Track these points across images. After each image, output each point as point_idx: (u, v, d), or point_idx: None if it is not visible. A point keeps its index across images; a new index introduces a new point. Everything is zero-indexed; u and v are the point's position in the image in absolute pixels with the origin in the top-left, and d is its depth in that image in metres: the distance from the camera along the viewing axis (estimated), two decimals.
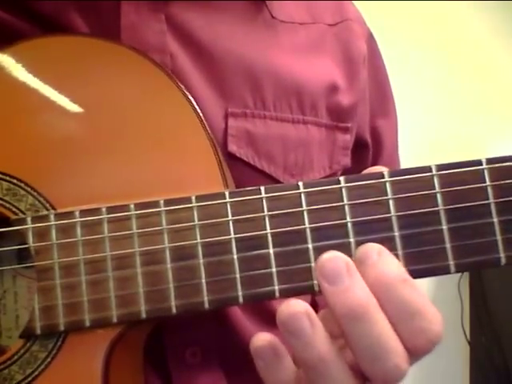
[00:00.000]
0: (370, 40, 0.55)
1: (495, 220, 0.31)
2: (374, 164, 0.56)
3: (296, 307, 0.27)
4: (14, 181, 0.34)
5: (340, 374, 0.27)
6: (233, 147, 0.42)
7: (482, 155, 0.32)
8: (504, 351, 1.38)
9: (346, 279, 0.27)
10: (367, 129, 0.54)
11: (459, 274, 1.59)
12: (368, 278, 0.28)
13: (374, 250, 0.28)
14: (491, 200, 0.31)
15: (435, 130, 1.64)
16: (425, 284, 1.60)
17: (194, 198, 0.32)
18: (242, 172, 0.42)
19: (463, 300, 1.59)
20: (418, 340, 0.27)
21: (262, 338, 0.29)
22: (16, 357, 0.33)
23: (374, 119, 0.55)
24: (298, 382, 0.29)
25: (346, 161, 0.50)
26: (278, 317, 0.27)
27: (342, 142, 0.49)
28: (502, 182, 0.31)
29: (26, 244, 0.33)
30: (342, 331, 0.27)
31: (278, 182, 0.45)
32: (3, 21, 0.39)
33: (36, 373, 0.32)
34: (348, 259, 0.28)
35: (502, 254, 0.31)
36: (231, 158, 0.42)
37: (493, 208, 0.31)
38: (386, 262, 0.28)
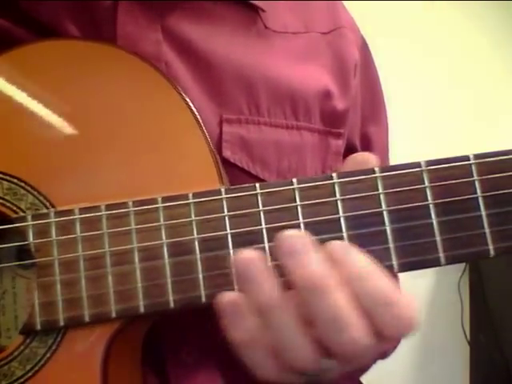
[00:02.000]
0: (363, 47, 0.56)
1: (483, 213, 0.32)
2: None
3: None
4: (15, 180, 0.35)
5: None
6: (227, 153, 0.43)
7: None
8: (504, 351, 1.38)
9: (304, 254, 0.29)
10: (357, 135, 0.55)
11: (459, 274, 1.60)
12: (341, 273, 0.29)
13: (339, 246, 0.30)
14: (479, 194, 0.32)
15: (429, 134, 1.66)
16: (425, 284, 1.61)
17: (190, 194, 0.33)
18: (236, 177, 0.42)
19: (463, 300, 1.59)
20: (392, 326, 0.29)
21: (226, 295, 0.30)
22: (16, 353, 0.33)
23: (365, 126, 0.56)
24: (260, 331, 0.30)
25: (339, 166, 0.50)
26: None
27: (335, 147, 0.50)
28: (489, 176, 0.32)
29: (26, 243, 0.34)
30: (306, 306, 0.29)
31: None
32: (0, 26, 0.40)
33: (36, 368, 0.33)
34: (305, 236, 0.29)
35: (490, 246, 0.32)
36: (225, 163, 0.43)
37: (481, 202, 0.32)
38: (355, 256, 0.30)
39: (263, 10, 0.48)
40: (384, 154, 0.59)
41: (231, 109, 0.44)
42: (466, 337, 1.58)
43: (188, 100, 0.36)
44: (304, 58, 0.49)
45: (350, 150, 0.53)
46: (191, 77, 0.43)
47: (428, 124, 1.67)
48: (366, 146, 0.56)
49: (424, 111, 1.66)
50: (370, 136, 0.56)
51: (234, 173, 0.43)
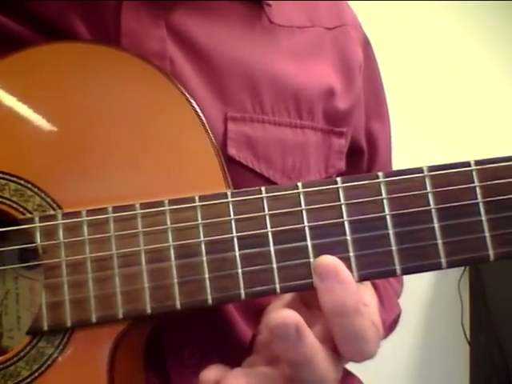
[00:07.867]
0: (366, 45, 0.56)
1: (484, 218, 0.33)
2: (370, 167, 0.57)
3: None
4: (22, 182, 0.35)
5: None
6: (232, 151, 0.43)
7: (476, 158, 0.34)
8: (504, 351, 1.38)
9: (292, 340, 0.30)
10: (362, 134, 0.55)
11: (459, 274, 1.60)
12: (326, 303, 0.31)
13: (331, 271, 0.31)
14: (480, 199, 0.33)
15: (430, 133, 1.66)
16: (425, 284, 1.62)
17: (197, 197, 0.33)
18: (241, 175, 0.43)
19: (463, 300, 1.60)
20: (354, 357, 0.32)
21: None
22: (22, 353, 0.34)
23: (368, 123, 0.56)
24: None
25: (341, 164, 0.51)
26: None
27: (338, 146, 0.50)
28: (490, 182, 0.33)
29: (32, 244, 0.34)
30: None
31: (276, 185, 0.46)
32: (3, 24, 0.40)
33: (42, 368, 0.33)
34: (298, 320, 0.30)
35: (490, 251, 0.32)
36: (230, 161, 0.43)
37: (481, 207, 0.33)
38: (344, 288, 0.31)
39: (269, 5, 0.48)
40: (388, 151, 0.59)
41: (235, 106, 0.44)
42: (466, 337, 1.59)
43: (193, 102, 0.37)
44: (309, 54, 0.49)
45: (355, 148, 0.54)
46: (195, 74, 0.43)
47: (428, 126, 1.67)
48: (371, 144, 0.56)
49: (425, 113, 1.67)
50: (375, 134, 0.57)
51: (239, 171, 0.43)
